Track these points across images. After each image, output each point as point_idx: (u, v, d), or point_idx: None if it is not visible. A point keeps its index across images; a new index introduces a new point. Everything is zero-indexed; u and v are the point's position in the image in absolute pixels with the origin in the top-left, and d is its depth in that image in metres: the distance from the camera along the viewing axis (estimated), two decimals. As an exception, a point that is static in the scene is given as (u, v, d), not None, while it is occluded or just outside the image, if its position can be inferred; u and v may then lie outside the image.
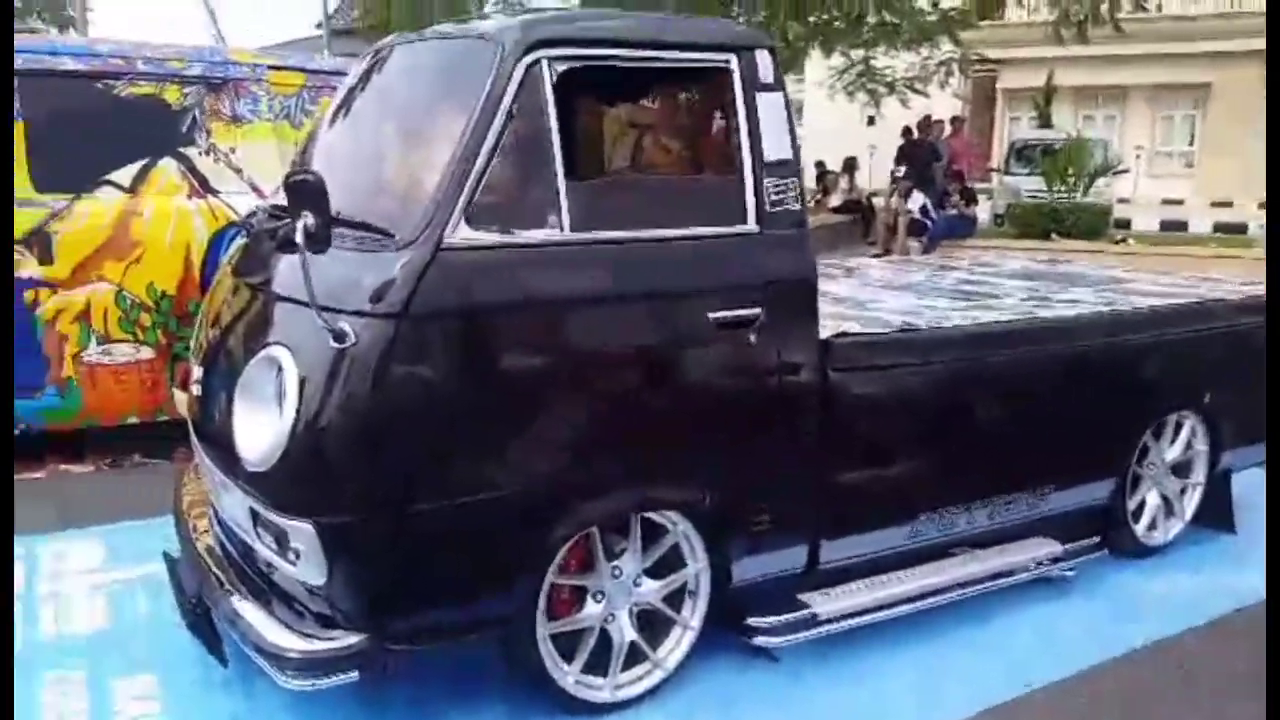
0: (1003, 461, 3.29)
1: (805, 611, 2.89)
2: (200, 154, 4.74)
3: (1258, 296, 3.97)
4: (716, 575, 2.77)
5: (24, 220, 4.36)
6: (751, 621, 2.85)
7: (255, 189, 4.85)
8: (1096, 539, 3.58)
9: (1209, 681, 2.97)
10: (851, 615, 2.95)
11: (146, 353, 4.70)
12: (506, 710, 2.66)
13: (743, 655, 2.91)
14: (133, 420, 4.73)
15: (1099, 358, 3.47)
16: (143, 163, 4.62)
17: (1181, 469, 3.86)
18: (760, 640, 2.85)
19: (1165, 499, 3.82)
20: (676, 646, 2.77)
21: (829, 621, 2.91)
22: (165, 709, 2.66)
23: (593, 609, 2.62)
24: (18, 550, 3.58)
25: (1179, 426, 3.78)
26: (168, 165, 4.68)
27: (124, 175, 4.59)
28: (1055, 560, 3.45)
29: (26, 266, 4.38)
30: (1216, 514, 3.99)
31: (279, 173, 4.82)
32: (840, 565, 3.01)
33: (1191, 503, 3.91)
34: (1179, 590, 3.57)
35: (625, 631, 2.67)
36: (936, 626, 3.15)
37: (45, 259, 4.42)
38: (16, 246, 4.34)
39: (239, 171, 4.82)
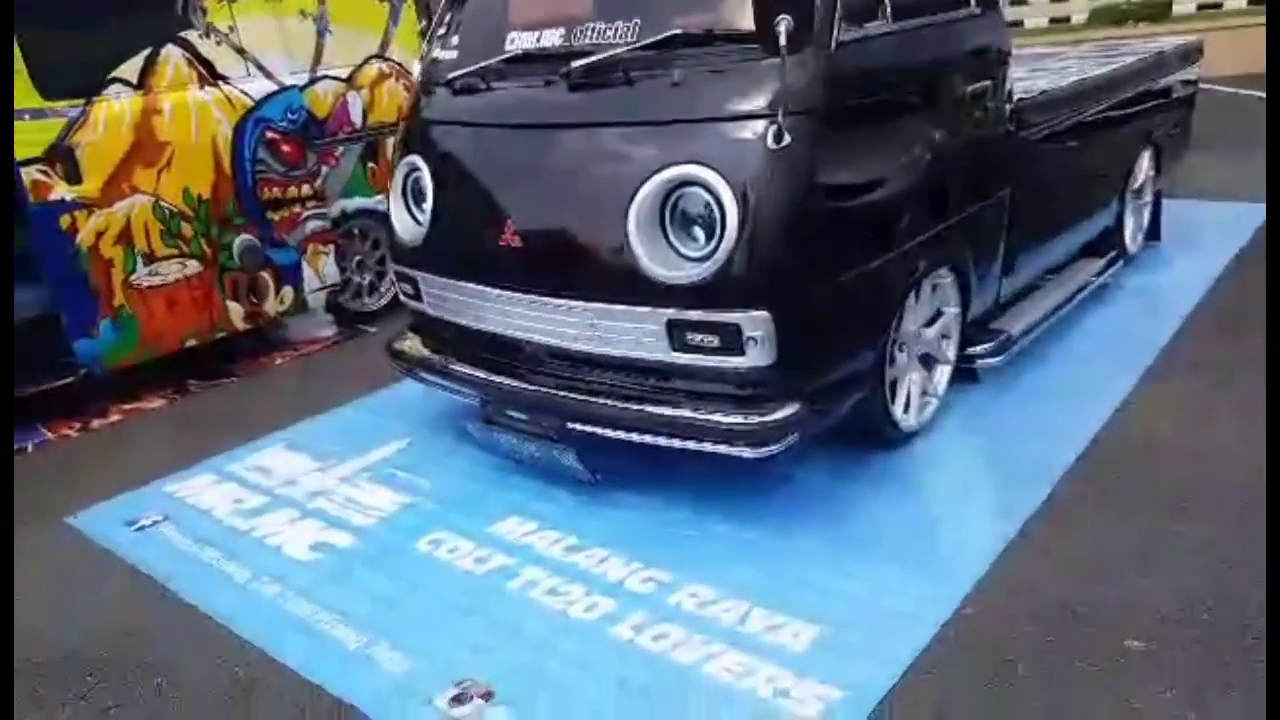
0: (1090, 193, 4.15)
1: (1004, 335, 3.57)
2: (200, 36, 4.26)
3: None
4: (961, 317, 3.37)
5: (41, 135, 3.79)
6: (974, 350, 3.50)
7: (263, 71, 4.49)
8: (1115, 253, 4.57)
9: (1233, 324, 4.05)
10: (1028, 331, 3.69)
11: (194, 266, 4.32)
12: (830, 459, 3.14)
13: (956, 386, 3.55)
14: (191, 343, 4.38)
15: (1120, 103, 4.34)
16: (145, 53, 4.10)
17: (1139, 193, 4.93)
18: (981, 363, 3.50)
19: (1134, 219, 4.91)
20: (942, 378, 3.37)
21: (1020, 338, 3.62)
22: (566, 532, 2.84)
23: (900, 358, 3.13)
24: (206, 479, 3.44)
25: (1141, 159, 4.82)
26: (171, 53, 4.18)
27: (130, 70, 4.06)
28: (1099, 274, 4.40)
29: (55, 188, 3.84)
30: (1151, 229, 5.16)
31: (281, 50, 4.53)
32: (1005, 300, 3.72)
33: (1146, 218, 5.03)
34: (1169, 280, 4.67)
35: (919, 371, 3.22)
36: (1056, 340, 3.99)
37: (73, 177, 3.88)
38: (38, 166, 3.79)
39: (242, 52, 4.40)
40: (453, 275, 3.10)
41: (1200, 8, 13.68)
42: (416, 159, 3.23)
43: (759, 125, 2.49)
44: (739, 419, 2.63)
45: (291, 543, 2.95)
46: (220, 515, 3.17)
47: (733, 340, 2.57)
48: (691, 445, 2.69)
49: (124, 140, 4.02)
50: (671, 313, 2.61)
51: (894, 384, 3.12)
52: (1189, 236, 5.19)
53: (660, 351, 2.68)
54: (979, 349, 3.49)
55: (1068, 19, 14.98)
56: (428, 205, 3.17)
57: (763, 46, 2.53)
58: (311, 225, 4.75)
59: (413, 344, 3.48)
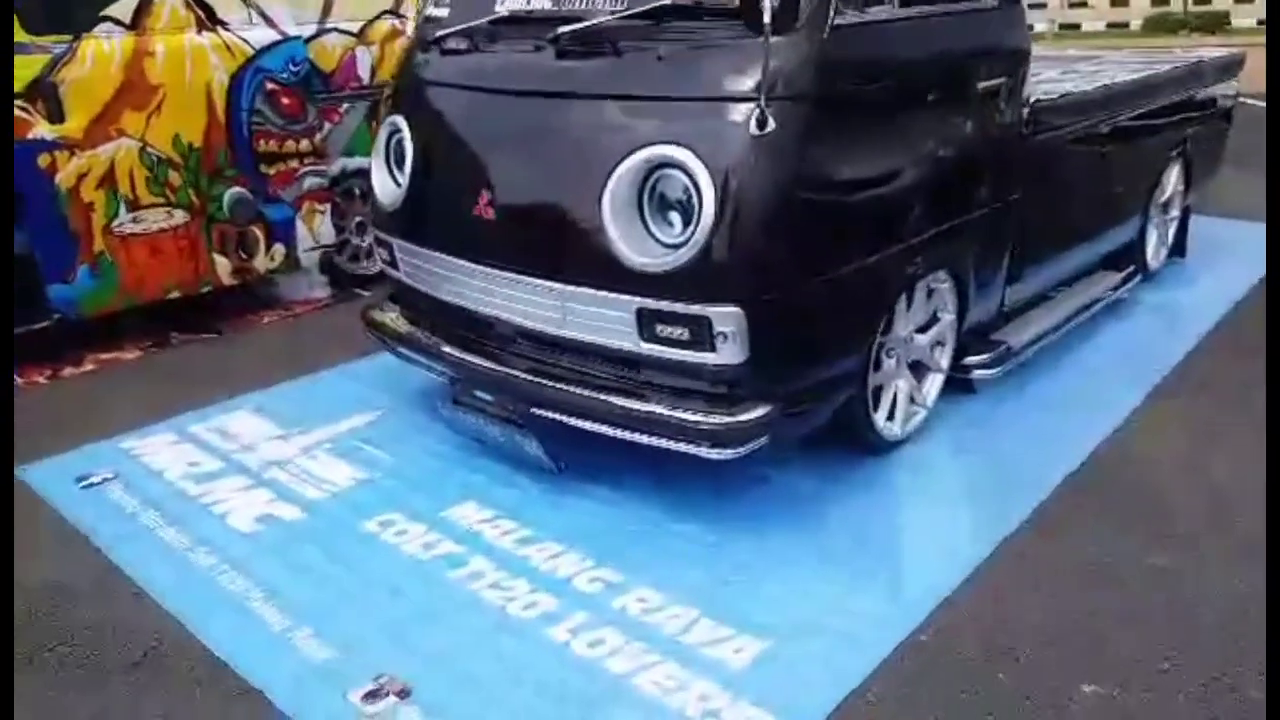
0: (1111, 204, 3.94)
1: (1003, 347, 3.40)
2: (200, -22, 4.15)
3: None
4: (958, 325, 3.20)
5: (22, 70, 3.69)
6: (970, 361, 3.33)
7: (267, 19, 4.37)
8: (1133, 268, 4.36)
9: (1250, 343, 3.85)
10: (1031, 344, 3.51)
11: (180, 216, 4.21)
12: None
13: (951, 395, 3.39)
14: (174, 295, 4.29)
15: (1149, 112, 4.12)
16: (140, -8, 3.99)
17: (1166, 207, 4.71)
18: (977, 374, 3.34)
19: (1158, 233, 4.68)
20: (933, 388, 3.20)
21: (1020, 350, 3.44)
22: (523, 523, 2.72)
23: (888, 364, 2.97)
24: (166, 439, 3.34)
25: (1169, 172, 4.59)
26: (168, -4, 4.08)
27: (123, 9, 3.94)
28: (1115, 288, 4.20)
29: (35, 126, 3.74)
30: (1176, 245, 4.93)
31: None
32: (1009, 310, 3.54)
33: (1171, 234, 4.81)
34: (1189, 299, 4.47)
35: (908, 379, 3.06)
36: (1061, 356, 3.81)
37: (55, 115, 3.78)
38: (19, 103, 3.70)
39: None
40: (426, 244, 2.98)
41: (1260, 22, 13.30)
42: (399, 119, 3.09)
43: (743, 109, 2.33)
44: (705, 418, 2.49)
45: (237, 512, 2.85)
46: (172, 478, 3.07)
47: (703, 335, 2.42)
48: (654, 441, 2.55)
49: (112, 81, 3.91)
50: (642, 301, 2.46)
51: (879, 390, 2.97)
52: (1215, 255, 4.96)
53: (629, 341, 2.54)
54: (975, 359, 3.33)
55: (1126, 24, 14.65)
56: (407, 169, 3.04)
57: (751, 25, 2.36)
58: (309, 182, 4.63)
59: (389, 313, 3.37)
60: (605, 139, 2.50)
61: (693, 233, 2.36)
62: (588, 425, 2.66)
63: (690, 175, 2.36)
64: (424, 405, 3.43)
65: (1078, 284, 4.07)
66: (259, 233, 4.50)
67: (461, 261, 2.84)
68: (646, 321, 2.48)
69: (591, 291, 2.54)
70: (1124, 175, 4.10)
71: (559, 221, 2.60)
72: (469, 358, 2.92)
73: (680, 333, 2.45)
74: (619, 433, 2.60)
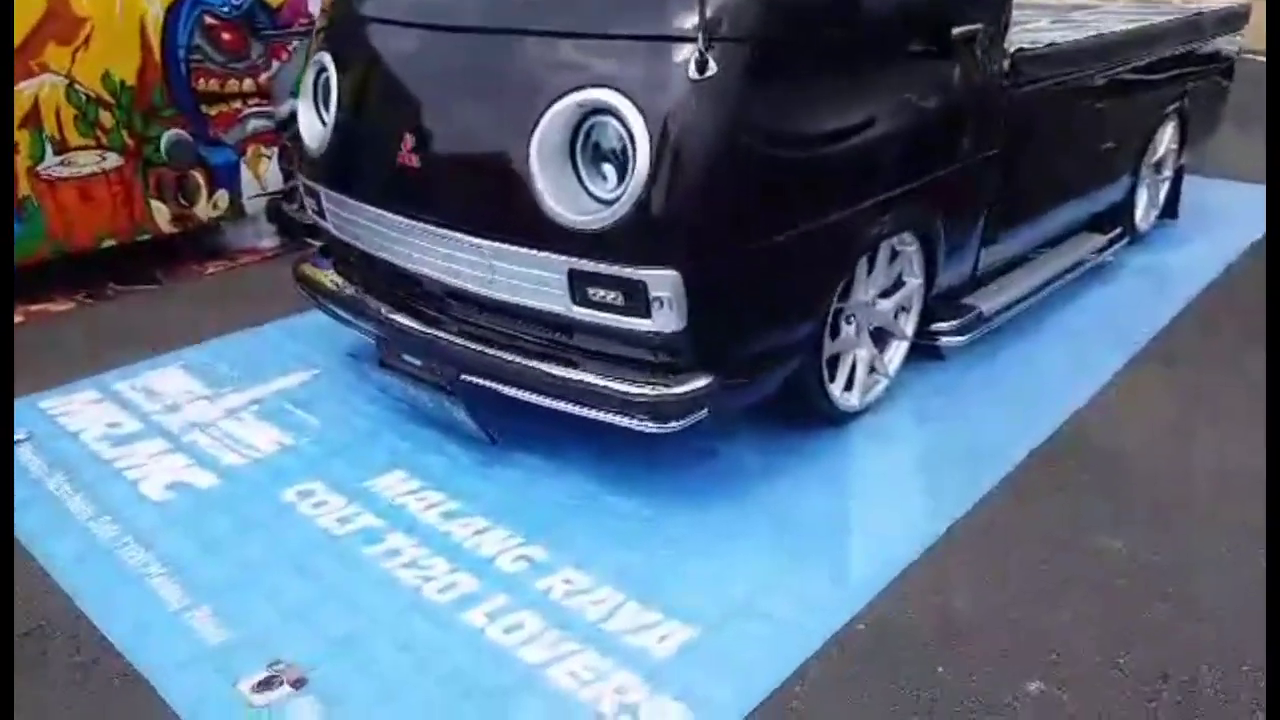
0: (1098, 163, 3.75)
1: (974, 312, 3.24)
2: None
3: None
4: (925, 290, 3.03)
5: (-65, 2, 3.47)
6: (937, 326, 3.16)
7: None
8: (1120, 229, 4.18)
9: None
10: (1004, 310, 3.35)
11: (113, 160, 4.00)
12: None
13: (919, 362, 3.23)
14: (109, 243, 4.10)
15: (1142, 66, 3.90)
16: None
17: (1159, 167, 4.51)
18: (944, 341, 3.18)
19: (1149, 194, 4.49)
20: (895, 356, 3.04)
21: (992, 317, 3.27)
22: (450, 495, 2.57)
23: (848, 331, 2.80)
24: (88, 397, 3.18)
25: (1163, 130, 4.38)
26: (95, -79, 3.82)
27: (45, -64, 3.71)
28: (1100, 251, 4.03)
29: (-49, 62, 3.54)
30: (1168, 207, 4.74)
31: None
32: (983, 274, 3.37)
33: (1163, 195, 4.61)
34: (1179, 261, 4.30)
35: (868, 347, 2.90)
36: (1041, 318, 3.65)
37: (-29, 50, 3.57)
38: (-68, 37, 3.48)
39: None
40: (351, 194, 2.78)
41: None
42: (325, 56, 2.87)
43: (682, 50, 2.12)
44: (639, 389, 2.33)
45: (150, 479, 2.69)
46: (88, 439, 2.91)
47: (637, 299, 2.25)
48: (587, 413, 2.39)
49: (32, 12, 3.66)
50: (573, 262, 2.28)
51: (837, 359, 2.81)
52: (1209, 217, 4.79)
53: (560, 304, 2.36)
54: (943, 325, 3.16)
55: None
56: (332, 111, 2.84)
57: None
58: (253, 124, 4.41)
59: (321, 268, 3.18)
60: (534, 80, 2.30)
61: (626, 187, 2.18)
62: (518, 393, 2.50)
63: (624, 123, 2.16)
64: (361, 366, 3.26)
65: (1061, 245, 3.89)
66: (200, 178, 4.30)
67: (385, 213, 2.65)
68: (579, 284, 2.30)
69: (520, 250, 2.36)
70: (1114, 132, 3.89)
71: (485, 172, 2.41)
72: (397, 318, 2.75)
73: (613, 297, 2.28)
74: (550, 402, 2.44)
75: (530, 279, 2.38)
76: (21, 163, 3.76)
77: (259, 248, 4.61)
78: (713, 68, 2.10)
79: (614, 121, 2.20)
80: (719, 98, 2.15)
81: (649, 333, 2.29)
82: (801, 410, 2.81)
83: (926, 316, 3.11)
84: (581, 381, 2.38)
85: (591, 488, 2.60)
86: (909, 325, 3.04)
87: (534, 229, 2.31)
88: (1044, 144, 3.32)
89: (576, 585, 2.23)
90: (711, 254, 2.24)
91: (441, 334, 2.65)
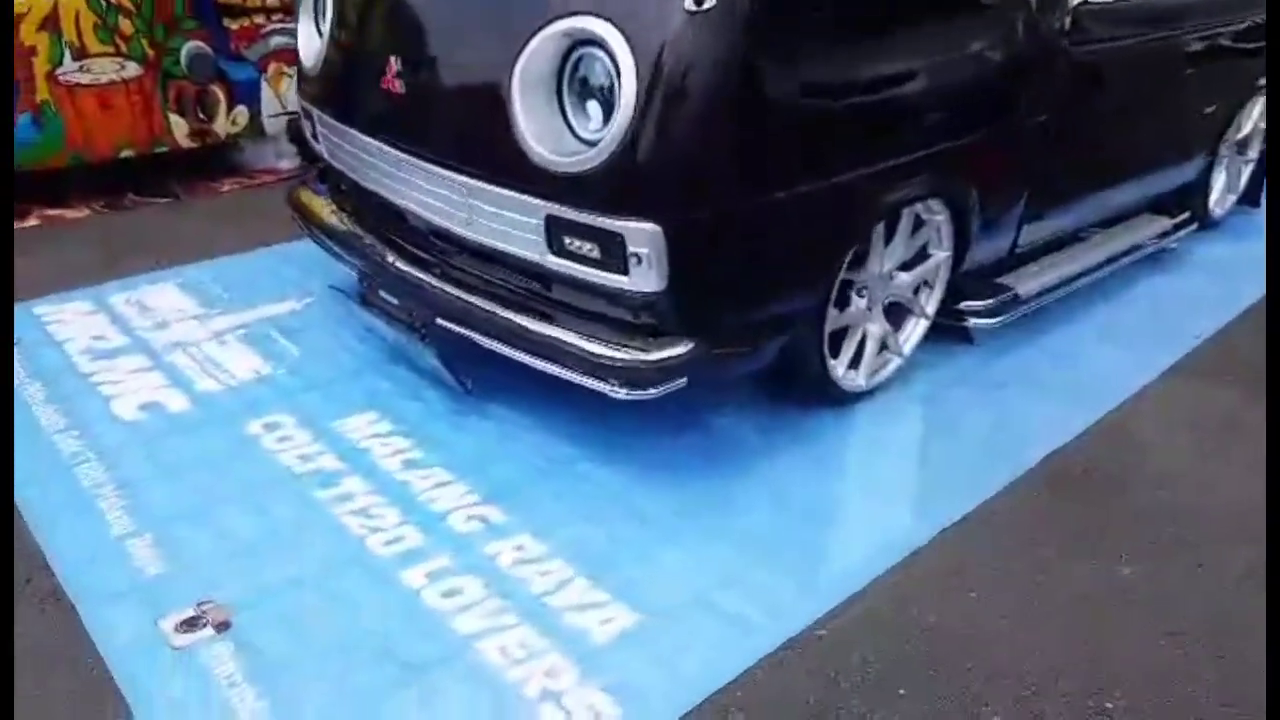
0: (1168, 138, 3.44)
1: (1009, 293, 3.00)
2: None
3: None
4: (953, 264, 2.81)
5: (-45, -109, 3.41)
6: (966, 306, 2.94)
7: None
8: (1188, 214, 3.86)
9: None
10: (1042, 294, 3.11)
11: (133, 69, 3.94)
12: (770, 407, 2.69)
13: (944, 343, 3.03)
14: (126, 154, 4.05)
15: (1232, 32, 3.55)
16: None
17: (1243, 147, 4.15)
18: (973, 322, 2.96)
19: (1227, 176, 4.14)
20: (912, 334, 2.84)
21: (1028, 300, 3.04)
22: (417, 443, 2.48)
23: (858, 304, 2.61)
24: (82, 308, 3.14)
25: (1251, 106, 4.01)
26: None
27: None
28: (1163, 235, 3.72)
29: (-30, -44, 3.48)
30: (1248, 193, 4.37)
31: None
32: (1025, 251, 3.12)
33: (1245, 179, 4.25)
34: (1250, 256, 3.95)
35: (880, 324, 2.70)
36: (1081, 305, 3.39)
37: (-8, -54, 3.51)
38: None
39: None
40: (338, 117, 2.66)
41: None
42: (324, -34, 2.74)
43: (676, -20, 1.93)
44: (612, 351, 2.18)
45: (124, 397, 2.64)
46: (71, 351, 2.88)
47: (614, 254, 2.08)
48: (557, 371, 2.26)
49: (56, -90, 3.60)
50: (551, 207, 2.13)
51: (844, 333, 2.63)
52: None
53: (537, 252, 2.21)
54: (973, 305, 2.94)
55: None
56: (328, 24, 2.70)
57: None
58: (276, 40, 4.30)
59: (316, 194, 3.08)
60: (521, 5, 2.13)
61: (609, 129, 2.01)
62: (488, 343, 2.37)
63: (611, 56, 1.98)
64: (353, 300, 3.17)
65: (1118, 226, 3.61)
66: (220, 93, 4.21)
67: (371, 140, 2.52)
68: (555, 231, 2.15)
69: (498, 190, 2.20)
70: (1191, 105, 3.56)
71: (467, 103, 2.26)
72: (378, 254, 2.63)
73: (590, 249, 2.12)
74: (520, 356, 2.30)
75: (507, 222, 2.23)
76: (40, 66, 3.71)
77: (278, 168, 4.53)
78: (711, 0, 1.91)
79: (602, 54, 2.02)
80: (719, 32, 1.95)
81: (627, 291, 2.14)
82: (798, 386, 2.64)
83: (954, 294, 2.90)
84: (551, 338, 2.23)
85: (567, 451, 2.48)
86: (931, 303, 2.82)
87: (512, 168, 2.15)
88: (1105, 113, 3.03)
89: (527, 554, 2.11)
90: (698, 208, 2.06)
91: (422, 275, 2.52)
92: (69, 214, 3.97)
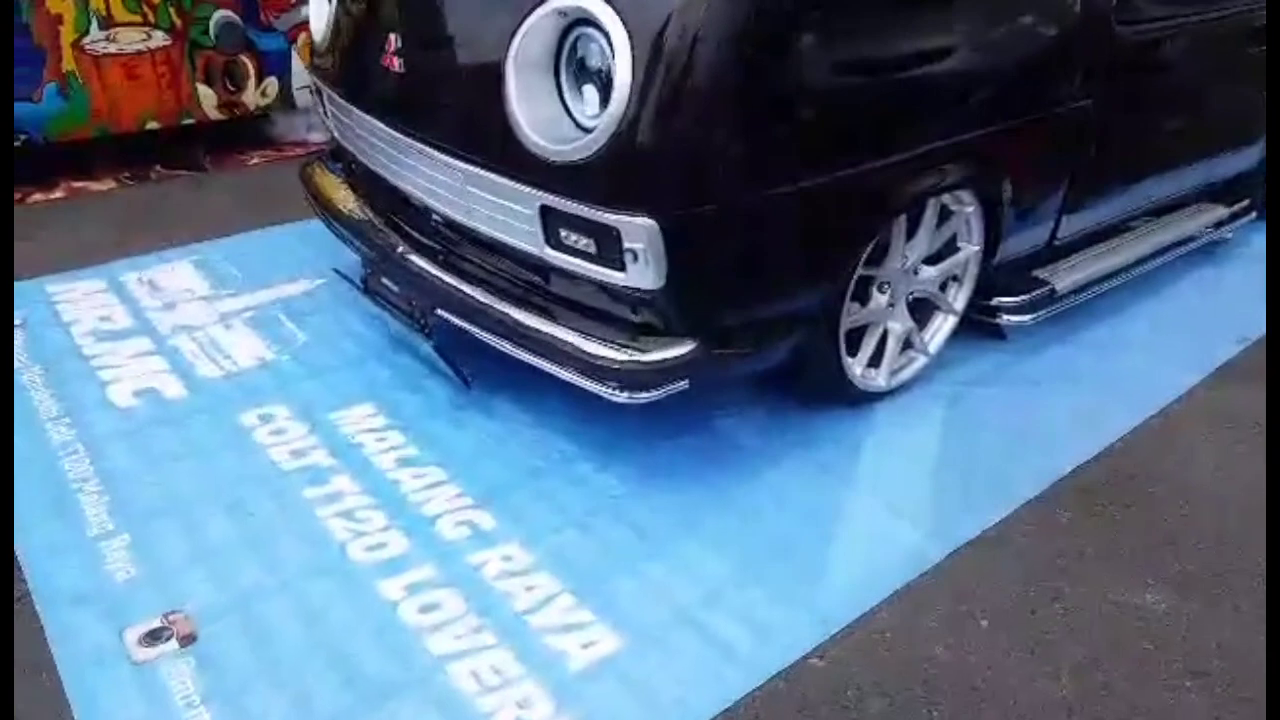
0: (1222, 122, 3.12)
1: (1045, 288, 2.75)
2: None
3: None
4: (984, 258, 2.56)
5: None
6: (998, 301, 2.70)
7: None
8: (1247, 202, 3.53)
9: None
10: (1082, 289, 2.84)
11: (160, 38, 3.81)
12: (765, 410, 2.49)
13: (974, 338, 2.79)
14: (152, 126, 3.94)
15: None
16: None
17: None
18: (1007, 319, 2.72)
19: None
20: (939, 332, 2.60)
21: (1066, 296, 2.78)
22: (413, 439, 2.33)
23: (879, 300, 2.39)
24: (93, 286, 3.03)
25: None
26: None
27: None
28: (1219, 225, 3.41)
29: (-9, -76, 3.35)
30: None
31: None
32: (1064, 243, 2.85)
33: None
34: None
35: (903, 321, 2.48)
36: (1122, 299, 3.11)
37: (13, -86, 3.38)
38: (-29, -104, 3.29)
39: None
40: (343, 93, 2.49)
41: None
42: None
43: (678, -45, 1.71)
44: (608, 350, 1.99)
45: (122, 382, 2.53)
46: (77, 332, 2.77)
47: (610, 249, 1.89)
48: (553, 370, 2.08)
49: (77, -123, 3.45)
50: (546, 197, 1.94)
51: (864, 331, 2.41)
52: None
53: (534, 245, 2.03)
54: (1006, 301, 2.69)
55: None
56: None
57: None
58: (306, 11, 4.12)
59: (329, 173, 2.92)
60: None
61: (603, 115, 1.81)
62: (487, 338, 2.20)
63: (606, 36, 1.78)
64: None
65: (1168, 216, 3.30)
66: (249, 64, 4.07)
67: (372, 120, 2.35)
68: (551, 223, 1.96)
69: (494, 177, 2.02)
70: (1248, 88, 3.22)
71: (463, 85, 2.08)
72: (380, 240, 2.47)
73: (585, 243, 1.93)
74: (517, 353, 2.13)
75: (504, 212, 2.04)
76: (66, 35, 3.59)
77: (308, 141, 4.37)
78: (715, -21, 1.69)
79: (598, 35, 1.82)
80: (723, 9, 1.73)
81: (624, 288, 1.95)
82: (813, 385, 2.43)
83: (987, 288, 2.66)
84: (547, 335, 2.06)
85: (566, 450, 2.31)
86: (959, 298, 2.59)
87: (508, 154, 1.96)
88: (1155, 96, 2.74)
89: (515, 565, 1.95)
90: (699, 202, 1.85)
91: (423, 262, 2.36)
92: (94, 186, 3.88)
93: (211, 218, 3.56)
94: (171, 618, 1.80)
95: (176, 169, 4.06)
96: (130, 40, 3.74)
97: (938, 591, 1.96)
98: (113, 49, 3.71)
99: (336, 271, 2.66)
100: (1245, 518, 2.21)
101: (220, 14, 3.92)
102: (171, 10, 3.79)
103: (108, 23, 3.67)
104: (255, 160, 4.21)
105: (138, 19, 3.73)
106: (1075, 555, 2.08)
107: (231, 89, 4.06)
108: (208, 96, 4.00)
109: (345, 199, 2.73)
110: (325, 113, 2.71)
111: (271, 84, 4.15)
